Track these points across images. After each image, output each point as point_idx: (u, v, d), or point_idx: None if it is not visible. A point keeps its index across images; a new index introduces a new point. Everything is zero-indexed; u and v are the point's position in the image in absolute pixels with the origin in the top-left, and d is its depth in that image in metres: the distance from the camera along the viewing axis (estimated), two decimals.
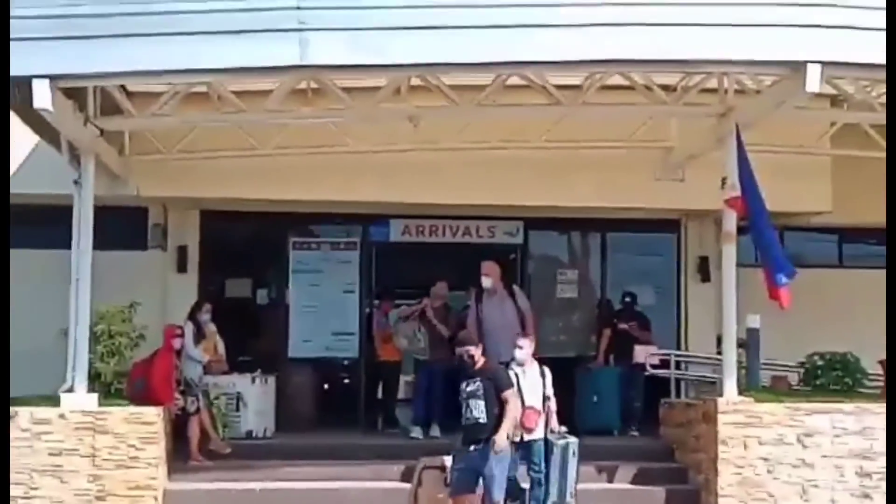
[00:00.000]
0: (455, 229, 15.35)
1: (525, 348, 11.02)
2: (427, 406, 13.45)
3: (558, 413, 11.02)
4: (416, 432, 13.19)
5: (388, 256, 15.38)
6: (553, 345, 15.30)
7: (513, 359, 10.97)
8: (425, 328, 13.59)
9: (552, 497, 10.71)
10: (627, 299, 14.71)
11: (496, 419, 9.78)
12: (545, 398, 10.90)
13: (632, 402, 14.13)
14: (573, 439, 10.91)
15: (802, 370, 13.14)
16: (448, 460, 10.37)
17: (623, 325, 14.40)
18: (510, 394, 9.91)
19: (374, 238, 15.40)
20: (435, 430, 13.24)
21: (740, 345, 12.32)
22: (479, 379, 9.90)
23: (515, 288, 13.43)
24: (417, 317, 13.68)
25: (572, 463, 10.77)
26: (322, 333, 15.08)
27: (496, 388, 9.86)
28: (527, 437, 10.74)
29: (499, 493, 9.71)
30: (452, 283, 14.38)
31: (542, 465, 10.75)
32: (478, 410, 9.79)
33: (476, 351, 10.06)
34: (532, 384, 10.89)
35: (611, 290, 15.46)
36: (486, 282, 13.07)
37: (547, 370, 11.11)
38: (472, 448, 9.82)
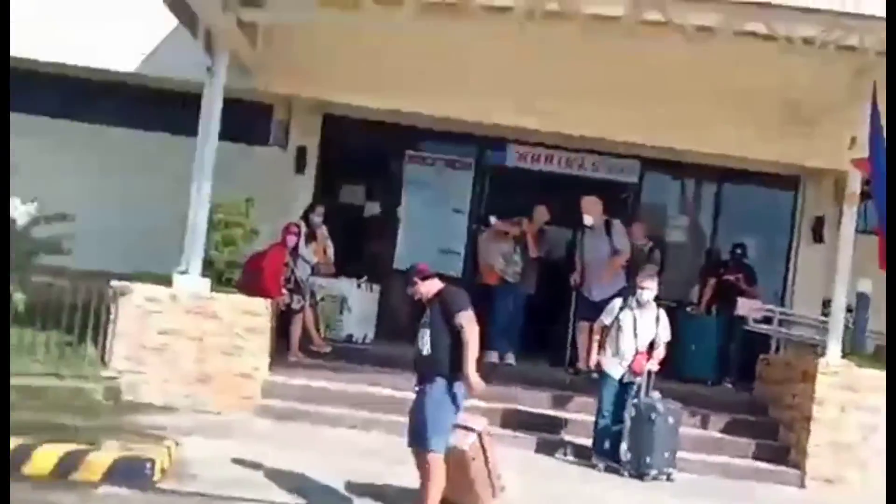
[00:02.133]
0: (571, 162, 15.21)
1: (650, 289, 10.92)
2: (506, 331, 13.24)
3: (661, 365, 11.00)
4: (492, 356, 12.96)
5: (501, 180, 15.30)
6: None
7: (632, 296, 10.99)
8: (521, 250, 13.40)
9: (630, 463, 10.66)
10: (738, 251, 14.51)
11: (449, 351, 8.00)
12: (654, 344, 10.88)
13: (730, 353, 14.03)
14: (669, 405, 10.81)
15: None
16: None
17: (729, 276, 14.26)
18: (466, 317, 7.89)
19: (490, 161, 15.33)
20: (510, 359, 13.15)
21: (849, 309, 12.15)
22: (429, 308, 8.22)
23: (614, 224, 13.16)
24: (513, 238, 13.40)
25: (657, 429, 10.63)
26: (429, 249, 15.09)
27: (446, 311, 7.99)
28: (628, 379, 10.85)
29: (434, 441, 8.03)
30: (560, 216, 14.41)
31: (626, 410, 10.73)
32: (422, 341, 8.09)
33: (424, 287, 8.24)
34: (646, 327, 10.88)
35: (721, 241, 15.28)
36: (587, 220, 12.96)
37: (663, 315, 11.03)
38: (416, 388, 8.30)
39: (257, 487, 8.97)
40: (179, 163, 12.16)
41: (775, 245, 15.43)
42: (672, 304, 14.47)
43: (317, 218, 13.34)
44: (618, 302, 11.17)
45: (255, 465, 9.46)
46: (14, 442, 8.67)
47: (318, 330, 12.70)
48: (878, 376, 11.40)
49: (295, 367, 12.08)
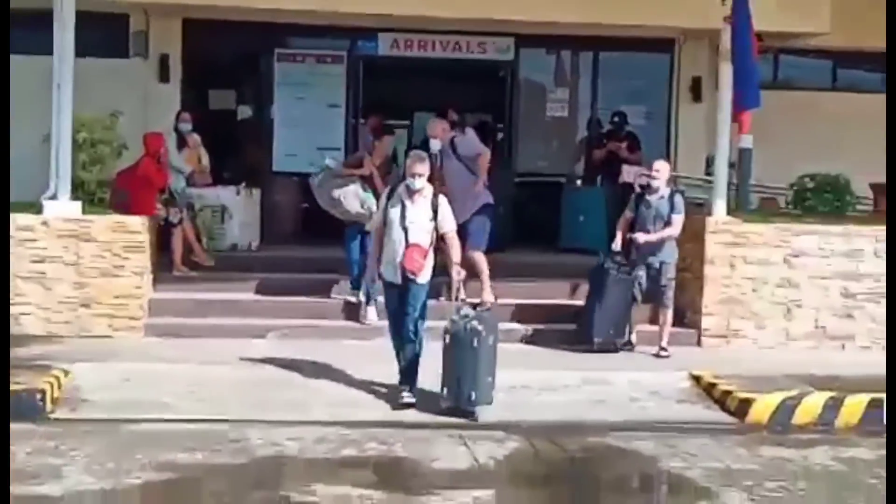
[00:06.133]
0: (445, 44, 14.96)
1: (422, 175, 9.02)
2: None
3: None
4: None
5: (375, 71, 15.05)
6: (541, 165, 15.28)
7: (406, 183, 9.11)
8: (370, 188, 11.26)
9: (447, 399, 8.85)
10: (616, 119, 14.53)
11: None
12: (439, 236, 9.13)
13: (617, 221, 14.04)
14: (487, 321, 8.87)
15: (792, 192, 13.07)
16: None
17: (612, 145, 14.24)
18: None
19: (362, 52, 15.03)
20: (371, 315, 11.24)
21: (731, 165, 12.25)
22: None
23: (455, 139, 11.60)
24: (359, 178, 11.35)
25: (481, 355, 8.72)
26: (307, 147, 14.84)
27: None
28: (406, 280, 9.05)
29: None
30: (439, 102, 14.23)
31: (417, 310, 9.07)
32: None
33: None
34: (418, 217, 9.03)
35: (601, 111, 15.24)
36: (435, 144, 11.56)
37: (443, 200, 9.17)
38: None
39: (154, 407, 8.81)
40: (34, 84, 11.61)
41: (656, 108, 15.47)
42: (560, 180, 14.62)
43: (185, 125, 12.97)
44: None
45: (150, 386, 9.29)
46: None
47: (200, 241, 12.40)
48: (764, 230, 11.56)
49: (180, 282, 11.81)
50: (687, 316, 11.69)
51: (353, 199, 11.17)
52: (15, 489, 6.77)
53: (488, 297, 11.10)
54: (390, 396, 9.19)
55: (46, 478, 7.07)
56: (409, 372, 9.15)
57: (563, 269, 12.38)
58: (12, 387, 8.66)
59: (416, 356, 9.14)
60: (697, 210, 13.13)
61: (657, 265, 10.88)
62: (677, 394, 9.67)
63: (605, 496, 7.42)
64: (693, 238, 11.64)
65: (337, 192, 11.21)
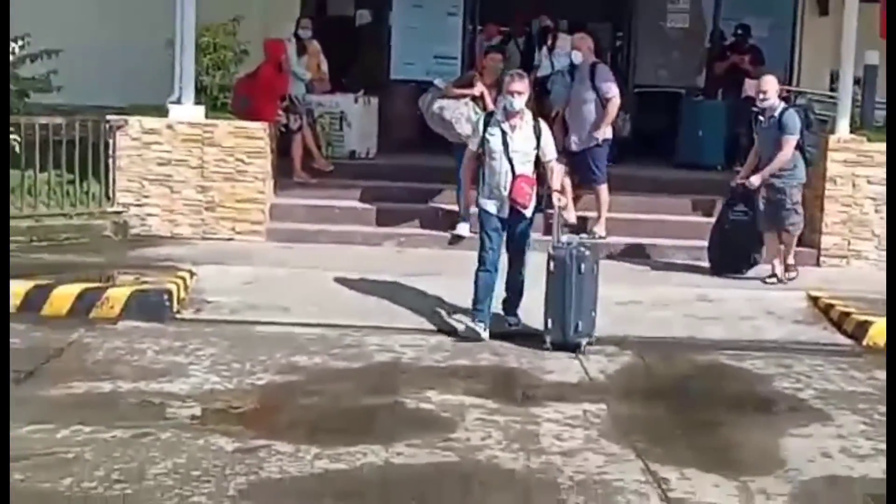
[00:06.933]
0: None
1: (522, 94, 8.50)
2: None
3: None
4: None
5: None
6: (660, 76, 15.05)
7: (504, 108, 8.66)
8: (480, 108, 10.86)
9: (551, 332, 8.44)
10: (739, 31, 14.23)
11: None
12: (542, 163, 8.70)
13: (738, 137, 13.81)
14: (593, 248, 8.68)
15: None
16: None
17: (735, 58, 13.97)
18: None
19: None
20: None
21: (856, 82, 11.93)
22: None
23: (598, 68, 11.43)
24: (470, 98, 11.08)
25: (587, 284, 8.40)
26: (424, 55, 14.83)
27: None
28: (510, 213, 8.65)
29: None
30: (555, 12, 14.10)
31: (525, 243, 8.81)
32: None
33: None
34: (523, 145, 8.58)
35: (724, 22, 14.90)
36: (575, 56, 11.48)
37: (545, 126, 8.77)
38: None
39: (275, 311, 9.03)
40: None
41: (781, 21, 15.07)
42: (680, 92, 14.41)
43: (305, 31, 13.02)
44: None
45: (271, 289, 9.51)
46: (30, 283, 8.77)
47: (319, 148, 12.56)
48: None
49: (300, 188, 12.01)
50: (806, 235, 11.52)
51: (465, 122, 10.75)
52: (143, 386, 7.09)
53: (601, 231, 11.08)
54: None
55: (174, 376, 7.34)
56: (513, 301, 8.87)
57: (680, 185, 12.32)
58: (141, 286, 8.99)
59: (521, 284, 8.82)
60: (819, 127, 12.88)
61: (779, 186, 10.40)
62: (793, 314, 9.58)
63: (715, 413, 7.40)
64: None
65: (448, 115, 10.96)
